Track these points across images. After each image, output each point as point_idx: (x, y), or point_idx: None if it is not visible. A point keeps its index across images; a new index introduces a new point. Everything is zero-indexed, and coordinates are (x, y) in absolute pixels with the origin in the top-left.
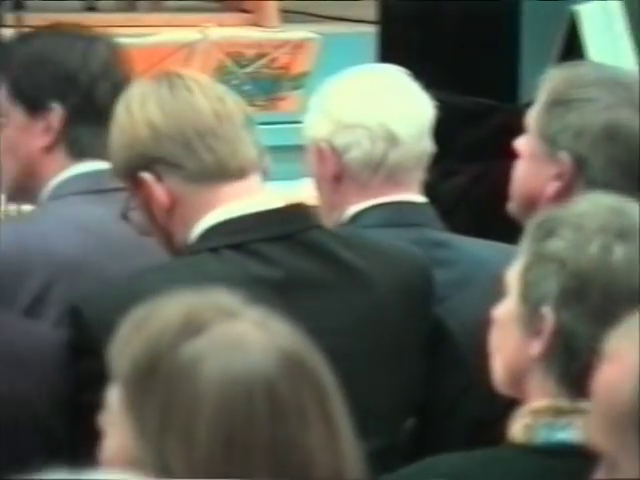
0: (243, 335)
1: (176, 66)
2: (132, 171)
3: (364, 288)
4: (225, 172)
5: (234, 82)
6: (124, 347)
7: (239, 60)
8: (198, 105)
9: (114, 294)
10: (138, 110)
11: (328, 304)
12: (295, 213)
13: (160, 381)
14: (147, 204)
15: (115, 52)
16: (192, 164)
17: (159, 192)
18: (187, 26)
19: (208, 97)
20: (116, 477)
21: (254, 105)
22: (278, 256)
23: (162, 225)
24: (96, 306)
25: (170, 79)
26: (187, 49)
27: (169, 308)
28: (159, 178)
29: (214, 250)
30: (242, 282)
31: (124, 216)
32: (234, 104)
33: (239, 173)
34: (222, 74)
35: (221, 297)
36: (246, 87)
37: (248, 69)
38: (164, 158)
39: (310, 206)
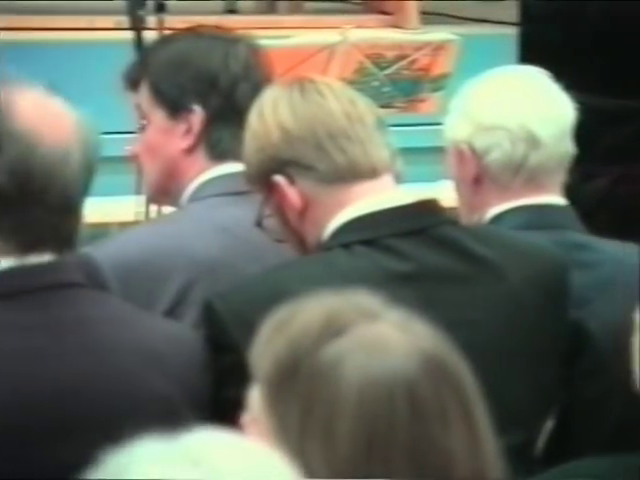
0: (384, 337)
1: (316, 68)
2: (265, 175)
3: (498, 282)
4: (357, 173)
5: (374, 84)
6: (265, 348)
7: (379, 62)
8: (329, 107)
9: (247, 289)
10: (270, 114)
11: (461, 297)
12: (426, 209)
13: (301, 382)
14: (280, 208)
15: (255, 53)
16: (324, 165)
17: (292, 194)
18: (327, 28)
19: (339, 99)
20: (205, 437)
21: (394, 107)
22: (410, 250)
23: (295, 228)
24: (229, 302)
25: (302, 83)
26: (327, 51)
27: (310, 309)
28: (292, 181)
29: (346, 246)
30: (374, 276)
31: (258, 223)
32: (365, 106)
33: (371, 173)
34: (362, 76)
35: (362, 298)
36: (386, 89)
37: (388, 71)
38: (296, 160)
39: (441, 202)
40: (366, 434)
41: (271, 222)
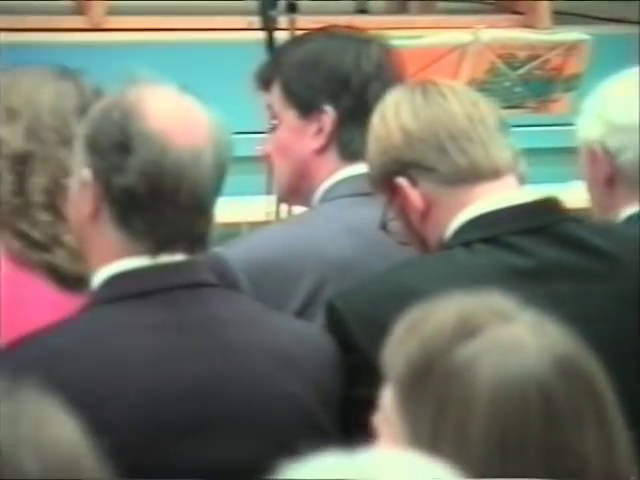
0: (518, 338)
1: (448, 68)
2: (387, 177)
3: (620, 277)
4: (478, 173)
5: (506, 84)
6: (398, 349)
7: (511, 62)
8: (451, 109)
9: (369, 288)
10: (392, 117)
11: (583, 292)
12: (547, 206)
13: (434, 383)
14: (403, 210)
15: (387, 53)
16: (446, 167)
17: (414, 196)
18: (459, 28)
19: (461, 101)
20: (385, 455)
21: (525, 107)
22: (530, 247)
23: (417, 230)
24: (351, 301)
25: (424, 86)
26: (459, 51)
27: (443, 310)
28: (414, 183)
29: (467, 244)
30: (495, 273)
31: (383, 226)
32: (487, 108)
33: (492, 174)
34: (494, 76)
35: (495, 299)
36: (518, 89)
37: (520, 71)
38: (418, 162)
39: (562, 200)
40: (499, 434)
41: (395, 225)
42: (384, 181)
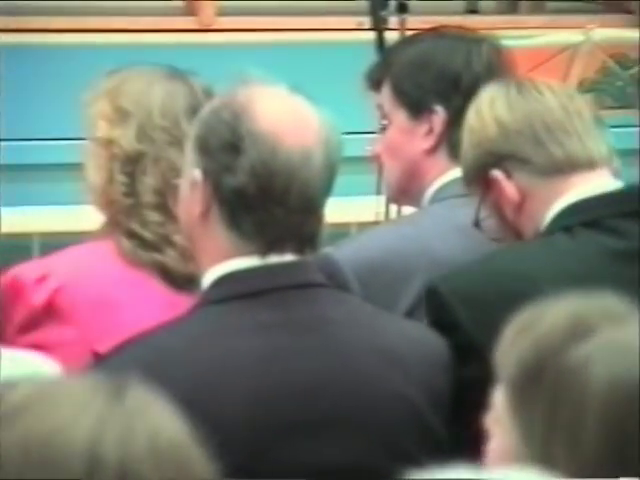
0: (630, 340)
1: (558, 68)
2: (482, 170)
3: None
4: (574, 164)
5: (617, 84)
6: (510, 349)
7: (623, 62)
8: (546, 102)
9: (468, 272)
10: (487, 110)
11: None
12: None
13: (547, 384)
14: (498, 204)
15: (498, 53)
16: (541, 159)
17: (509, 189)
18: (569, 28)
19: (556, 94)
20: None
21: (637, 107)
22: (630, 230)
23: (512, 223)
24: (454, 285)
25: (519, 81)
26: (570, 51)
27: (556, 311)
28: (509, 175)
29: (567, 229)
30: (595, 255)
31: (476, 224)
32: (583, 102)
33: (588, 166)
34: (605, 76)
35: (608, 301)
36: (629, 89)
37: (632, 71)
38: (513, 154)
39: None
40: (613, 435)
41: (488, 223)
42: (478, 175)
